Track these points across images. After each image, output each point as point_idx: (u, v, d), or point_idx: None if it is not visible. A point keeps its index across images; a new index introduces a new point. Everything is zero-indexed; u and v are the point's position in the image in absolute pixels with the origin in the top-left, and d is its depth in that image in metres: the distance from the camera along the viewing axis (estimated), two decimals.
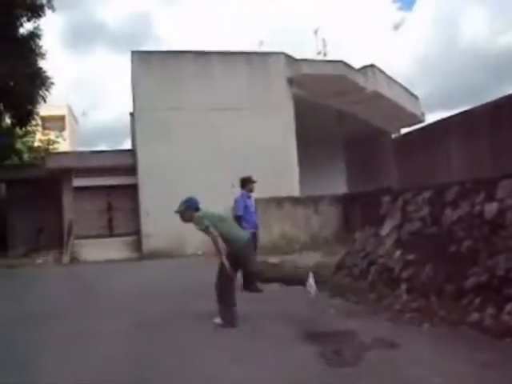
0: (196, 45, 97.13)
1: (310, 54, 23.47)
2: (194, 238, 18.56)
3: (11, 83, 18.48)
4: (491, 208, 5.89)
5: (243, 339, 5.59)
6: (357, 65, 23.18)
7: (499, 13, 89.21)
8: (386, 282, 7.10)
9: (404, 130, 25.31)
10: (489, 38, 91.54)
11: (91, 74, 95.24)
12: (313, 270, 9.51)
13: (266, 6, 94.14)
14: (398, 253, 7.31)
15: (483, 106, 6.81)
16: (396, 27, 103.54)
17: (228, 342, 5.50)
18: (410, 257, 6.94)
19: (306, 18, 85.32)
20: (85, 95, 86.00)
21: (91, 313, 7.95)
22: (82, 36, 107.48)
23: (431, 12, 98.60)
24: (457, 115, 7.34)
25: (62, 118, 32.51)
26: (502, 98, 6.53)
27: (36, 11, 19.95)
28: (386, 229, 8.07)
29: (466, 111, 7.18)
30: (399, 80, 27.08)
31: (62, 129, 31.65)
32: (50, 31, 72.80)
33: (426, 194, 7.36)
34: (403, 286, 6.69)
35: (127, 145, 27.63)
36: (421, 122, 26.57)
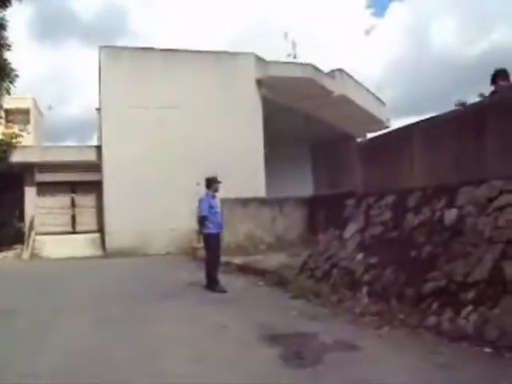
0: (169, 42, 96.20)
1: (282, 57, 23.46)
2: (158, 237, 18.56)
3: None
4: (451, 214, 6.02)
5: (204, 339, 5.58)
6: (327, 69, 23.40)
7: (469, 22, 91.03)
8: (348, 285, 7.19)
9: (370, 135, 25.62)
10: (458, 47, 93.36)
11: (60, 68, 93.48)
12: (277, 271, 9.61)
13: (239, 6, 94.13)
14: (360, 256, 7.40)
15: (446, 113, 6.95)
16: (367, 32, 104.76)
17: (188, 342, 5.49)
18: (372, 260, 7.04)
19: (278, 20, 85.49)
20: (52, 89, 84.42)
21: (46, 310, 7.85)
22: (52, 28, 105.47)
23: (403, 19, 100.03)
24: (420, 122, 7.46)
25: (26, 112, 31.81)
26: (465, 107, 6.70)
27: (2, 1, 19.50)
28: (348, 232, 8.17)
29: (429, 118, 7.30)
30: (369, 85, 27.48)
31: (27, 122, 31.00)
32: (18, 22, 71.21)
33: (389, 199, 7.48)
34: (364, 289, 6.78)
35: (95, 141, 27.28)
36: (386, 127, 26.93)
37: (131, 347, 5.37)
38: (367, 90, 27.10)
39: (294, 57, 25.32)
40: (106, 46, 20.79)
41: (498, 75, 7.27)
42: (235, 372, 4.43)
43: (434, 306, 5.46)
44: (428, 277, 5.79)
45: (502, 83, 7.11)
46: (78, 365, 4.80)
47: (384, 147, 8.38)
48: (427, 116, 7.45)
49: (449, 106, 7.39)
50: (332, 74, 23.51)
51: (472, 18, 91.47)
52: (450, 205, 6.11)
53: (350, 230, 8.15)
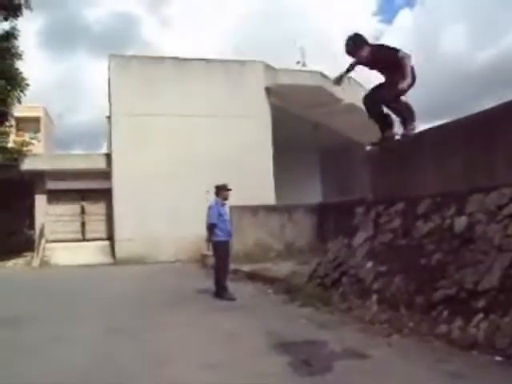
0: (178, 50, 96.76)
1: (290, 64, 23.52)
2: (167, 245, 18.59)
3: None
4: (461, 222, 5.99)
5: (213, 347, 5.58)
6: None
7: (478, 29, 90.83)
8: (357, 293, 7.16)
9: None
10: (468, 54, 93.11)
11: (70, 76, 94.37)
12: (286, 278, 9.59)
13: (247, 14, 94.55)
14: (369, 264, 7.37)
15: (456, 121, 6.93)
16: (376, 39, 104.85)
17: (197, 349, 5.49)
18: (381, 268, 7.01)
19: (286, 27, 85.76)
20: (63, 97, 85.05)
21: (54, 318, 7.88)
22: (63, 37, 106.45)
23: (411, 26, 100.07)
24: (431, 129, 7.45)
25: (37, 120, 32.08)
26: (474, 114, 6.66)
27: (13, 11, 19.71)
28: (358, 240, 8.14)
29: (439, 125, 7.29)
30: None
31: (37, 131, 31.25)
32: (29, 31, 71.94)
33: (398, 207, 7.45)
34: (374, 297, 6.75)
35: (105, 149, 27.44)
36: (395, 134, 26.82)
37: (141, 355, 5.37)
38: None
39: (303, 64, 25.34)
40: (115, 55, 20.94)
41: (356, 43, 7.42)
42: (244, 379, 4.42)
43: (444, 314, 5.42)
44: (438, 285, 5.75)
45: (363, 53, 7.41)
46: (87, 374, 4.81)
47: (393, 154, 8.35)
48: (436, 123, 7.45)
49: (458, 113, 7.42)
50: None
51: (481, 24, 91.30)
52: (460, 212, 6.08)
53: (360, 237, 8.12)
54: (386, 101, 7.64)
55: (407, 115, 7.65)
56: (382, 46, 7.64)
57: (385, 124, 7.95)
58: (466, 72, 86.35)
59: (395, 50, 7.33)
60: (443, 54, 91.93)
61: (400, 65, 7.16)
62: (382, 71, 7.72)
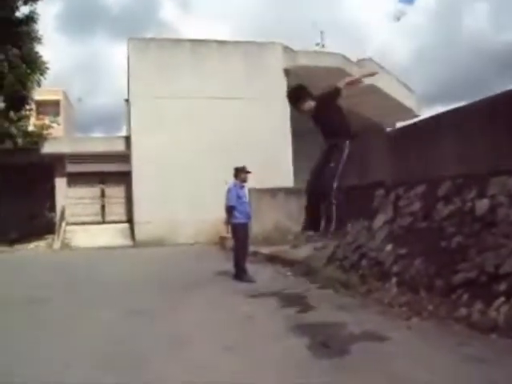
0: (197, 32, 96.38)
1: (310, 46, 23.34)
2: (186, 227, 18.69)
3: (6, 67, 18.33)
4: (482, 204, 5.91)
5: (232, 329, 5.61)
6: (356, 57, 23.15)
7: (501, 8, 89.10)
8: (377, 276, 7.14)
9: (399, 125, 25.33)
10: (491, 33, 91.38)
11: (89, 59, 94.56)
12: (305, 261, 9.60)
13: None
14: (389, 247, 7.34)
15: (478, 101, 6.81)
16: (397, 19, 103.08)
17: (216, 331, 5.52)
18: (401, 251, 6.97)
19: (305, 8, 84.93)
20: (82, 80, 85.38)
21: (78, 299, 8.00)
22: (82, 20, 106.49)
23: (433, 5, 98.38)
24: (450, 110, 7.34)
25: (56, 103, 32.28)
26: (497, 95, 6.53)
27: None
28: (378, 222, 8.10)
29: (460, 107, 7.18)
30: (398, 73, 27.07)
31: (57, 114, 31.44)
32: (48, 14, 72.14)
33: (418, 189, 7.38)
34: (393, 280, 6.72)
35: (124, 131, 27.58)
36: (416, 116, 26.57)
37: (160, 336, 5.42)
38: (396, 78, 26.76)
39: (323, 46, 25.16)
40: (134, 38, 20.93)
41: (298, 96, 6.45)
42: (263, 361, 4.44)
43: (465, 297, 5.38)
44: (458, 268, 5.71)
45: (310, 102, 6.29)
46: (107, 353, 4.87)
47: (413, 137, 8.26)
48: (458, 104, 7.32)
49: (481, 94, 7.22)
50: (361, 62, 23.27)
51: (505, 2, 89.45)
52: (481, 195, 6.00)
53: (379, 220, 8.08)
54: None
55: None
56: (328, 105, 6.34)
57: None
58: (490, 52, 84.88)
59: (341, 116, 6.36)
60: (466, 34, 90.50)
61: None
62: (323, 133, 6.60)
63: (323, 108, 6.16)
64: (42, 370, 4.39)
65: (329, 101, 6.24)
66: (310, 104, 6.21)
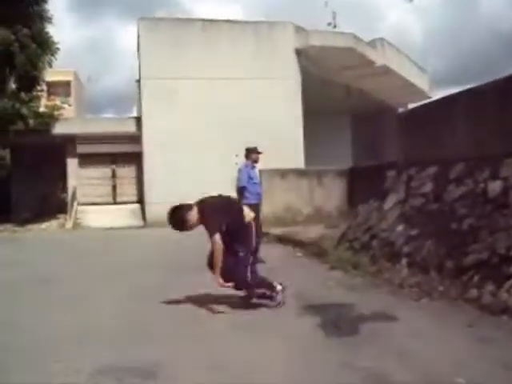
0: (208, 11, 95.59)
1: (321, 27, 23.08)
2: None
3: (16, 48, 18.32)
4: (495, 186, 5.87)
5: (242, 309, 5.63)
6: (368, 38, 22.94)
7: None
8: (387, 256, 7.13)
9: (411, 106, 25.15)
10: (508, 14, 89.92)
11: (100, 39, 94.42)
12: (315, 241, 9.61)
13: None
14: (400, 227, 7.32)
15: (491, 82, 6.73)
16: (409, 1, 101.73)
17: (227, 313, 5.54)
18: (412, 232, 6.96)
19: None
20: (93, 60, 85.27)
21: (87, 277, 8.20)
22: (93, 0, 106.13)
23: None
24: (463, 91, 7.27)
25: (67, 84, 32.32)
26: (509, 76, 6.45)
27: None
28: (389, 203, 8.08)
29: (473, 87, 7.11)
30: (411, 54, 26.80)
31: (68, 95, 31.51)
32: None
33: (431, 170, 7.34)
34: (404, 261, 6.72)
35: (135, 112, 27.57)
36: (429, 97, 26.33)
37: (168, 315, 5.47)
38: (409, 59, 26.50)
39: (334, 26, 24.89)
40: (144, 18, 20.83)
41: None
42: (275, 339, 4.47)
43: (475, 278, 5.37)
44: (469, 249, 5.69)
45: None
46: (116, 328, 4.92)
47: (426, 118, 8.20)
48: (472, 85, 7.24)
49: (495, 76, 7.05)
50: (373, 43, 23.06)
51: None
52: (494, 176, 5.96)
53: (391, 201, 8.06)
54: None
55: None
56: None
57: None
58: (506, 33, 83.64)
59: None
60: (482, 14, 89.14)
61: None
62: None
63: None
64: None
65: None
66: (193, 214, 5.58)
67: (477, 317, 4.78)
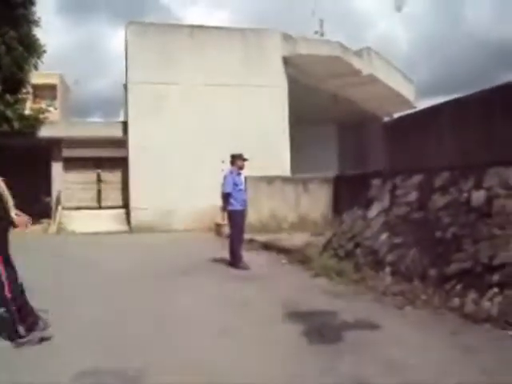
0: (198, 17, 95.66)
1: (309, 35, 23.18)
2: (182, 214, 18.69)
3: (3, 50, 18.19)
4: (479, 196, 5.93)
5: (226, 315, 5.62)
6: (356, 47, 23.10)
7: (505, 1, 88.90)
8: (371, 264, 7.16)
9: (397, 115, 25.33)
10: (492, 25, 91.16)
11: (87, 43, 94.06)
12: (300, 249, 9.62)
13: None
14: (384, 236, 7.36)
15: (476, 93, 6.81)
16: (398, 9, 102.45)
17: (211, 318, 5.54)
18: (396, 240, 7.00)
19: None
20: (80, 64, 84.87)
21: (70, 283, 8.03)
22: (80, 2, 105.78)
23: None
24: (449, 101, 7.34)
25: (53, 87, 32.09)
26: (495, 86, 6.53)
27: None
28: (373, 211, 8.12)
29: (458, 97, 7.19)
30: (398, 64, 27.00)
31: (54, 98, 31.28)
32: None
33: (416, 179, 7.39)
34: (387, 269, 6.75)
35: (121, 117, 27.48)
36: (414, 107, 26.54)
37: (154, 322, 5.43)
38: (396, 68, 26.70)
39: (322, 35, 25.02)
40: (133, 22, 20.77)
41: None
42: (258, 347, 4.47)
43: (458, 287, 5.41)
44: (453, 258, 5.74)
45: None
46: (96, 336, 4.89)
47: (411, 127, 8.27)
48: (458, 95, 7.31)
49: (481, 86, 7.07)
50: (360, 52, 23.20)
51: None
52: (478, 186, 6.02)
53: (375, 209, 8.10)
54: None
55: None
56: None
57: None
58: (490, 43, 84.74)
59: None
60: (467, 25, 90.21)
61: None
62: None
63: None
64: None
65: None
66: None
67: (460, 325, 4.82)
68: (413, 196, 7.26)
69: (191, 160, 19.17)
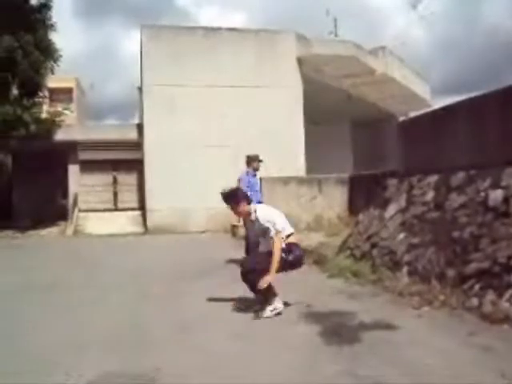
0: (214, 20, 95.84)
1: (323, 35, 23.18)
2: (198, 215, 18.75)
3: (19, 54, 18.39)
4: (496, 195, 5.87)
5: (240, 316, 5.62)
6: (371, 46, 23.02)
7: None
8: (388, 265, 7.12)
9: (412, 114, 25.18)
10: (506, 25, 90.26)
11: (103, 46, 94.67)
12: (316, 249, 9.59)
13: None
14: (401, 236, 7.31)
15: (493, 91, 6.74)
16: (414, 6, 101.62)
17: (225, 319, 5.54)
18: (413, 240, 6.95)
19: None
20: (95, 67, 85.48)
21: (89, 285, 8.14)
22: (96, 6, 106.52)
23: None
24: (465, 100, 7.28)
25: (69, 91, 32.37)
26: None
27: None
28: (390, 211, 8.07)
29: (475, 96, 7.12)
30: (413, 63, 26.85)
31: (70, 101, 31.54)
32: (63, 1, 71.89)
33: (432, 179, 7.34)
34: (404, 269, 6.71)
35: (136, 119, 27.64)
36: (429, 106, 26.37)
37: (169, 323, 5.46)
38: (411, 67, 26.55)
39: (336, 35, 24.99)
40: (147, 25, 20.89)
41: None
42: (274, 349, 4.46)
43: (476, 287, 5.36)
44: (470, 258, 5.68)
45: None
46: (116, 338, 4.92)
47: (427, 126, 8.21)
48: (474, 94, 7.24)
49: (498, 85, 6.92)
50: (375, 51, 23.11)
51: None
52: (495, 185, 5.96)
53: (392, 209, 8.05)
54: None
55: None
56: None
57: None
58: (508, 42, 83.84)
59: None
60: (484, 24, 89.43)
61: None
62: None
63: None
64: None
65: None
66: None
67: (477, 326, 4.78)
68: (429, 196, 7.21)
69: (206, 161, 19.21)
